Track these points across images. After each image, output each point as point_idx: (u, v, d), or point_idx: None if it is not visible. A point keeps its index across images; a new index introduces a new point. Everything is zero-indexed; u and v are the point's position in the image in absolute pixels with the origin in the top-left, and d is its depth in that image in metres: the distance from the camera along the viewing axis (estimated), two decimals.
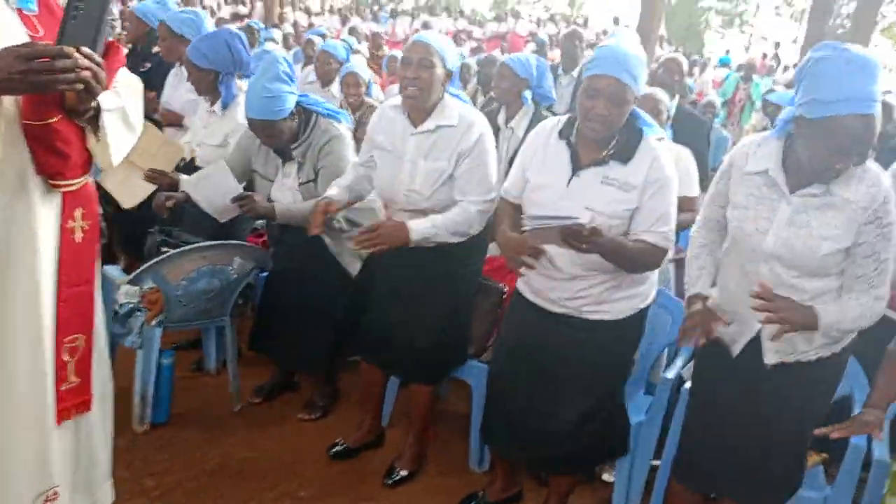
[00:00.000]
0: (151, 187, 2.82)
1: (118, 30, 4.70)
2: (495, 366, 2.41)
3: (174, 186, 2.81)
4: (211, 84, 3.03)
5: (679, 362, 2.58)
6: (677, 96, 4.10)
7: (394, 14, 18.74)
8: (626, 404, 2.55)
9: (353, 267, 2.82)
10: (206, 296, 2.75)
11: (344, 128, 2.80)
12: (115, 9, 4.88)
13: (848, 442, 2.17)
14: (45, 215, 1.64)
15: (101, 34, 1.48)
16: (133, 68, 3.60)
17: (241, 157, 2.86)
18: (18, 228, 1.61)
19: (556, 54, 8.57)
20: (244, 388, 3.11)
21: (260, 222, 3.42)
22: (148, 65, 3.71)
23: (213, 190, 2.66)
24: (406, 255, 2.50)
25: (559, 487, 2.46)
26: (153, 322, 2.68)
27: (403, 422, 2.90)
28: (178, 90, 3.49)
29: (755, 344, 1.91)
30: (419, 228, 2.28)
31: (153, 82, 3.55)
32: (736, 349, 1.95)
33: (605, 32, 17.45)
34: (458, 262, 2.50)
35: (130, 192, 2.88)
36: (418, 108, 2.36)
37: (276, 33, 9.48)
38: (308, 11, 18.47)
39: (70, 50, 1.39)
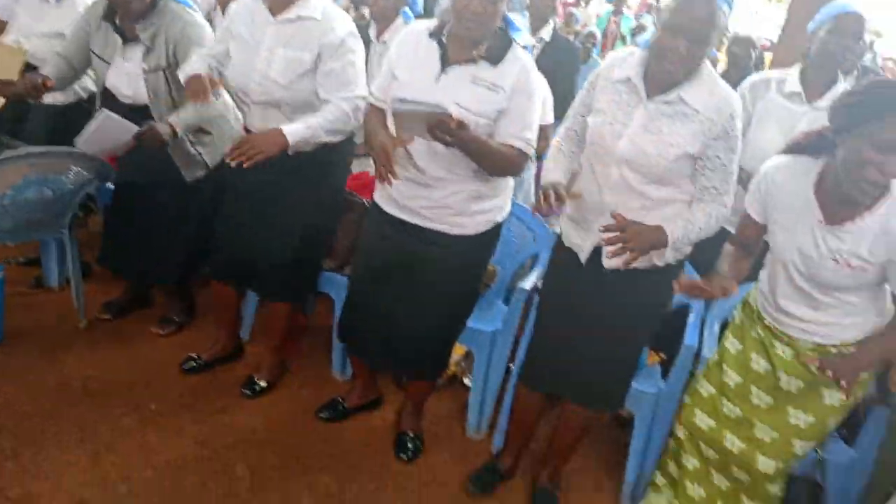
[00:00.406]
0: None
1: None
2: (354, 274, 2.39)
3: (32, 92, 2.47)
4: None
5: (535, 274, 2.66)
6: (553, 20, 4.13)
7: None
8: (483, 314, 2.65)
9: (192, 172, 2.65)
10: (38, 206, 2.51)
11: (200, 16, 2.58)
12: None
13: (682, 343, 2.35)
14: None
15: None
16: None
17: (78, 41, 2.58)
18: None
19: None
20: (93, 306, 2.93)
21: None
22: None
23: (108, 139, 2.42)
24: (262, 170, 2.40)
25: (416, 392, 2.52)
26: None
27: (264, 336, 2.84)
28: None
29: (598, 249, 1.99)
30: (295, 130, 2.16)
31: None
32: (584, 256, 2.03)
33: None
34: (317, 176, 2.41)
35: None
36: None
37: None
38: None
39: None
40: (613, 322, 2.04)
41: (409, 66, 2.05)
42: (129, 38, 2.50)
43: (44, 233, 2.71)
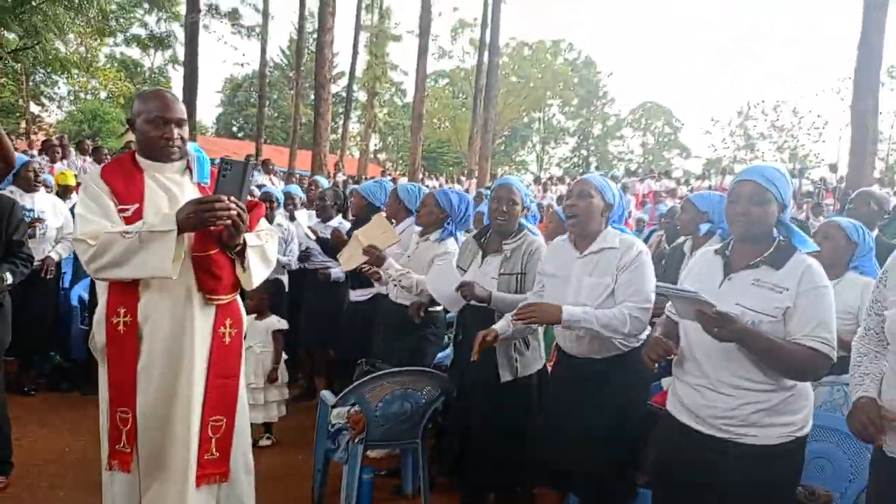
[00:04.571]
0: (365, 258, 3.51)
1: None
2: (653, 485, 2.43)
3: (381, 262, 3.47)
4: (439, 221, 3.67)
5: None
6: (876, 229, 4.00)
7: None
8: None
9: (504, 374, 3.02)
10: (400, 418, 3.12)
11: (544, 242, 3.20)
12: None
13: None
14: (203, 321, 2.28)
15: (245, 188, 2.20)
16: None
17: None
18: (184, 329, 2.24)
19: None
20: None
21: (443, 353, 3.84)
22: None
23: (441, 280, 3.12)
24: (573, 382, 2.72)
25: None
26: (356, 440, 3.09)
27: None
28: None
29: None
30: (571, 310, 2.51)
31: None
32: None
33: (822, 180, 16.68)
34: (620, 388, 2.63)
35: (351, 260, 3.65)
36: (581, 235, 2.68)
37: None
38: None
39: (222, 196, 2.12)
40: None
41: (695, 278, 2.25)
42: (489, 251, 3.17)
43: (403, 442, 3.29)
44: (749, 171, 2.17)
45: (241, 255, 2.30)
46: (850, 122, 10.57)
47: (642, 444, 2.72)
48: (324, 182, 6.46)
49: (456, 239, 3.69)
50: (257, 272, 2.36)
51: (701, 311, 1.96)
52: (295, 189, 6.61)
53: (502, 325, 2.82)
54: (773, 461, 2.08)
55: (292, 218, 5.68)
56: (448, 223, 3.70)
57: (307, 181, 9.47)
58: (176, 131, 2.30)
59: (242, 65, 33.45)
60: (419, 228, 3.85)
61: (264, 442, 4.20)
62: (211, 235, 2.22)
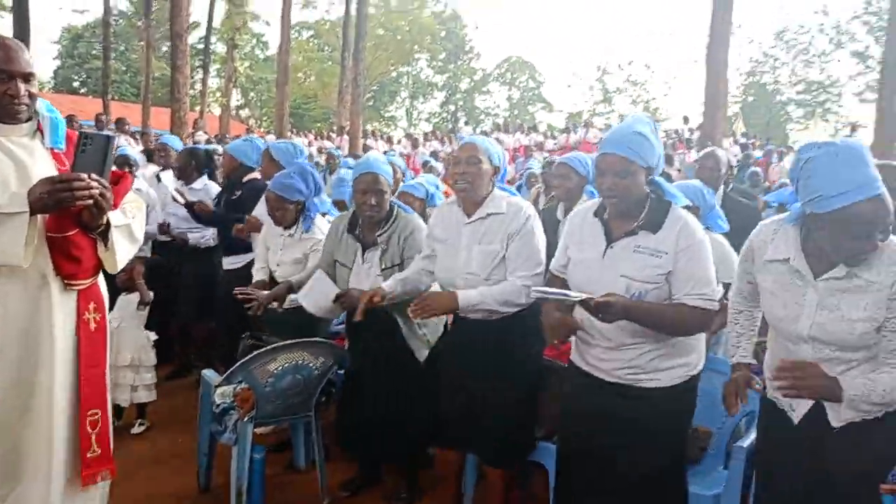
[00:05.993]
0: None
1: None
2: (561, 438, 2.47)
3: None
4: (299, 211, 3.45)
5: (754, 432, 2.54)
6: (722, 187, 4.22)
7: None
8: (703, 478, 2.55)
9: (421, 353, 2.98)
10: (292, 391, 2.97)
11: (420, 220, 3.08)
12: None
13: None
14: (64, 308, 2.05)
15: (108, 165, 1.95)
16: (229, 195, 4.17)
17: (328, 256, 3.17)
18: (40, 317, 2.00)
19: None
20: (332, 482, 3.24)
21: (339, 327, 3.70)
22: (239, 192, 4.19)
23: (317, 295, 2.94)
24: (469, 343, 2.68)
25: None
26: (245, 418, 2.91)
27: None
28: None
29: (817, 408, 1.91)
30: (466, 295, 2.49)
31: (245, 205, 4.05)
32: (796, 416, 1.96)
33: (676, 132, 17.78)
34: (518, 346, 2.64)
35: None
36: (470, 200, 2.61)
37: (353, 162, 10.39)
38: (389, 140, 20.08)
39: (82, 175, 1.88)
40: (843, 478, 1.88)
41: (578, 246, 2.28)
42: (367, 245, 3.01)
43: (295, 416, 3.14)
44: (610, 140, 2.15)
45: (105, 234, 2.04)
46: (706, 73, 11.15)
47: (540, 398, 2.76)
48: (176, 144, 5.90)
49: (315, 214, 3.50)
50: (122, 252, 2.11)
51: (583, 303, 2.00)
52: (171, 140, 6.05)
53: (390, 285, 2.73)
54: (671, 400, 2.21)
55: (166, 167, 5.24)
56: (306, 208, 3.46)
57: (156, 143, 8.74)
58: (23, 87, 1.98)
59: (82, 12, 30.16)
60: None
61: (137, 429, 3.89)
62: (69, 215, 1.95)
